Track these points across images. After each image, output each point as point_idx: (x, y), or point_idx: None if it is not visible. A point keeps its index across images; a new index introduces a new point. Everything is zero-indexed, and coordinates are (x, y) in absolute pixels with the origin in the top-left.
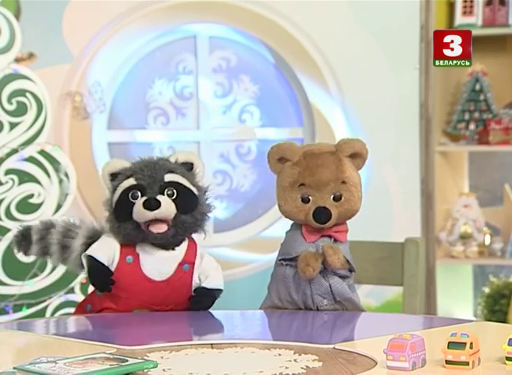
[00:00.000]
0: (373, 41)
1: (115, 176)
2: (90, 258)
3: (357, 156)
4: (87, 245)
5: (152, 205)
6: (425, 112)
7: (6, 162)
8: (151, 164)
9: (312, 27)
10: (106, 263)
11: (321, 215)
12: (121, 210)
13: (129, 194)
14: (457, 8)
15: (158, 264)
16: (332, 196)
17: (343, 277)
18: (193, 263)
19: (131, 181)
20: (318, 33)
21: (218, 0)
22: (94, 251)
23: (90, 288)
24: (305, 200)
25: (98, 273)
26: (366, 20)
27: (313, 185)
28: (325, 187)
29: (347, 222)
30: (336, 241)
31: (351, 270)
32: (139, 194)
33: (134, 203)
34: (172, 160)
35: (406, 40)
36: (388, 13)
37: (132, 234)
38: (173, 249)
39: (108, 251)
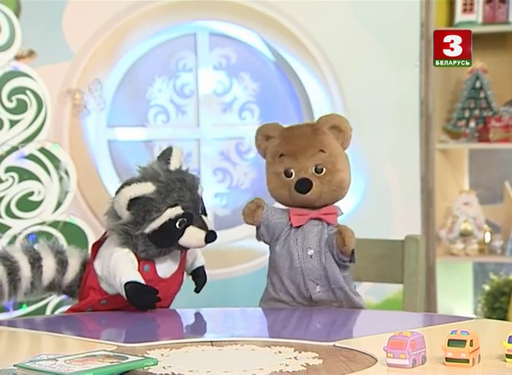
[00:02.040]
0: (373, 38)
1: (134, 200)
2: (133, 284)
3: (338, 130)
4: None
5: (214, 238)
6: (425, 110)
7: (6, 160)
8: (188, 186)
9: (312, 25)
10: (144, 282)
11: (302, 184)
12: (165, 237)
13: (177, 223)
14: (457, 5)
15: (169, 262)
16: (313, 167)
17: (341, 267)
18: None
19: (178, 210)
20: (318, 31)
21: None
22: (130, 275)
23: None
24: (288, 174)
25: (145, 295)
26: (366, 18)
27: (291, 153)
28: (302, 154)
29: (343, 209)
30: (328, 224)
31: (351, 261)
32: (183, 221)
33: (179, 229)
34: (176, 164)
35: (406, 37)
36: (388, 11)
37: (167, 254)
38: None
39: (134, 266)
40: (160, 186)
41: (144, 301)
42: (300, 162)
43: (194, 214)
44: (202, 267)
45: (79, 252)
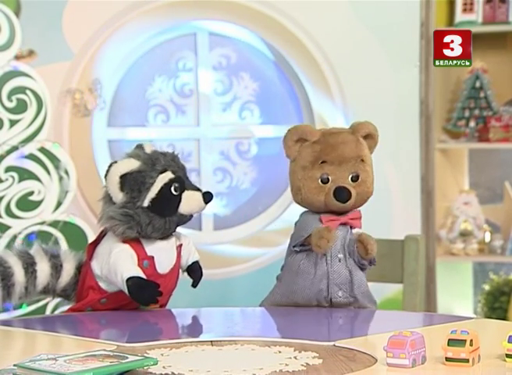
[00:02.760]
0: (373, 38)
1: (124, 178)
2: (135, 279)
3: (370, 138)
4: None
5: (211, 197)
6: (425, 110)
7: (6, 160)
8: (169, 155)
9: (312, 25)
10: (144, 276)
11: (343, 193)
12: (165, 204)
13: (172, 188)
14: (457, 5)
15: (167, 258)
16: (350, 176)
17: (362, 269)
18: (181, 245)
19: (169, 175)
20: (318, 31)
21: None
22: (132, 270)
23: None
24: (324, 180)
25: (147, 290)
26: (366, 17)
27: (335, 161)
28: (346, 163)
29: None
30: (351, 228)
31: (371, 263)
32: (178, 186)
33: (176, 195)
34: (149, 150)
35: (406, 37)
36: (388, 11)
37: (172, 228)
38: (171, 236)
39: (134, 261)
40: (144, 158)
41: (146, 296)
42: (341, 170)
43: (185, 179)
44: (197, 262)
45: (74, 256)
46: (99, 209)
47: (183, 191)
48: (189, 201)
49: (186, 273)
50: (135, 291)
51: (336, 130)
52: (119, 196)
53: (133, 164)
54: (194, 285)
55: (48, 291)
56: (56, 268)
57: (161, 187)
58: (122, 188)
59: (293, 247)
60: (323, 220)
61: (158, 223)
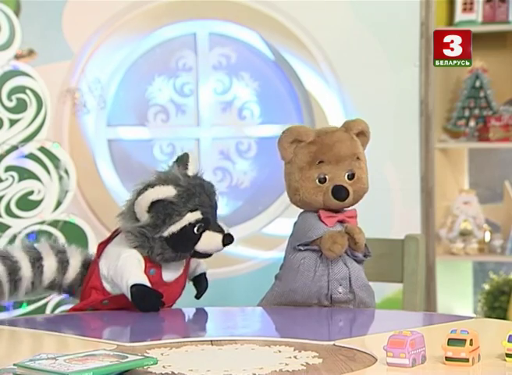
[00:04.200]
0: (373, 37)
1: (155, 203)
2: (139, 287)
3: (363, 135)
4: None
5: (231, 240)
6: (425, 109)
7: (6, 159)
8: (206, 191)
9: (312, 24)
10: (149, 284)
11: (341, 192)
12: (183, 242)
13: (196, 228)
14: (457, 4)
15: (174, 268)
16: (346, 174)
17: (359, 262)
18: None
19: (197, 215)
20: (317, 30)
21: None
22: (137, 277)
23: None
24: (322, 180)
25: (150, 299)
26: (366, 17)
27: (332, 161)
28: (343, 162)
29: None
30: None
31: (366, 255)
32: (202, 226)
33: (197, 234)
34: (194, 170)
35: (406, 36)
36: (388, 10)
37: (182, 261)
38: None
39: (141, 267)
40: (181, 190)
41: (148, 305)
42: (337, 169)
43: (212, 220)
44: (204, 274)
45: (80, 252)
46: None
47: (204, 230)
48: (207, 241)
49: (192, 283)
50: (138, 299)
51: (329, 129)
52: (143, 217)
53: (169, 193)
54: (198, 297)
55: (54, 286)
56: (63, 264)
57: (185, 226)
58: (149, 211)
59: (298, 246)
60: (321, 216)
61: (170, 256)
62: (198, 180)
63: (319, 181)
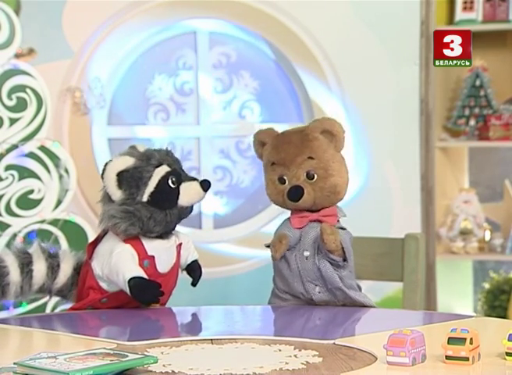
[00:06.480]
0: (373, 36)
1: (121, 175)
2: (136, 280)
3: (330, 134)
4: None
5: (209, 185)
6: (425, 108)
7: (6, 158)
8: (162, 151)
9: (312, 22)
10: (146, 276)
11: (293, 192)
12: (164, 197)
13: (170, 181)
14: (458, 3)
15: (167, 257)
16: (305, 174)
17: (335, 266)
18: (181, 244)
19: (165, 168)
20: (318, 29)
21: None
22: (133, 271)
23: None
24: (282, 181)
25: (149, 290)
26: (366, 15)
27: (281, 162)
28: (292, 163)
29: (343, 209)
30: None
31: (345, 260)
32: (175, 178)
33: (174, 188)
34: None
35: (406, 35)
36: (388, 9)
37: (173, 221)
38: (171, 235)
39: (135, 261)
40: (138, 155)
41: (147, 296)
42: (292, 170)
43: (182, 173)
44: (196, 261)
45: (73, 256)
46: (99, 209)
47: (180, 183)
48: (187, 192)
49: (185, 272)
50: (137, 292)
51: (288, 130)
52: (117, 194)
53: (128, 161)
54: (194, 284)
55: (43, 290)
56: (53, 268)
57: (159, 181)
58: (119, 186)
59: (266, 246)
60: (290, 217)
61: (159, 216)
62: (150, 149)
63: (280, 182)
